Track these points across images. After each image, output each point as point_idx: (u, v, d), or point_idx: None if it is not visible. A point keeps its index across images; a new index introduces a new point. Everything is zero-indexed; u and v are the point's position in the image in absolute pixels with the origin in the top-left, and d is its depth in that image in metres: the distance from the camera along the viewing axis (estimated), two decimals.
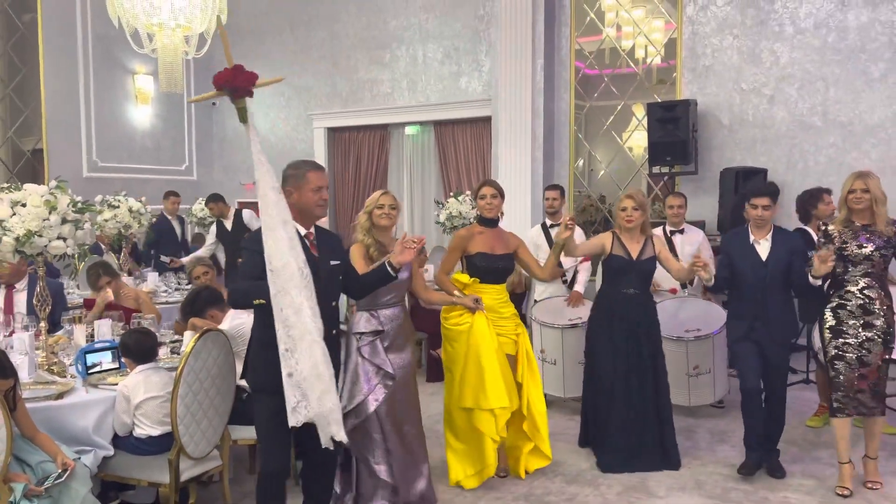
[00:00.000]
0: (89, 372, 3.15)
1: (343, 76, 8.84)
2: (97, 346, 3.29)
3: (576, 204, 7.41)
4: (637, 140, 7.31)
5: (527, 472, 3.88)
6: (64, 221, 3.30)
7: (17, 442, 2.61)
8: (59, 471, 2.63)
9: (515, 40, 7.13)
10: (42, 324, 3.43)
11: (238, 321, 3.50)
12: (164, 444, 3.01)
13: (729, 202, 5.97)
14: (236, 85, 2.52)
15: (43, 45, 7.86)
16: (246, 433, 3.49)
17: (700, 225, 5.91)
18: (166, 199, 7.61)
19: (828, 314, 3.68)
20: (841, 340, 3.61)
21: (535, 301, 5.27)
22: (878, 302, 3.59)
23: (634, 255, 3.96)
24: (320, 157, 9.04)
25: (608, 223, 7.29)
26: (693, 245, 4.98)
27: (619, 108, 7.27)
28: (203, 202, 8.21)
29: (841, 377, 3.60)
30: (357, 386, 3.32)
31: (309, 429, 2.65)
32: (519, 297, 5.61)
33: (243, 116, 2.57)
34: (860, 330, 3.58)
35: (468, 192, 6.95)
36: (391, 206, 3.45)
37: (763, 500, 3.60)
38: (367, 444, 3.35)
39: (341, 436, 2.59)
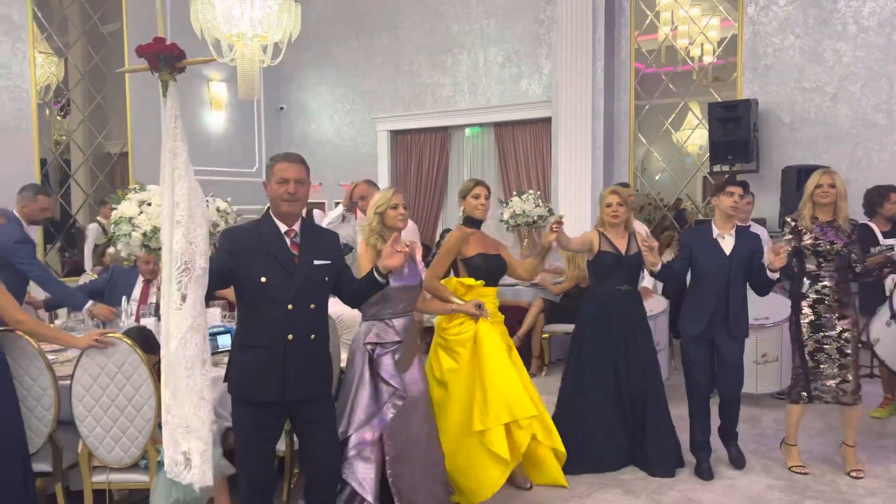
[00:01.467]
0: (212, 352, 3.50)
1: (406, 80, 9.17)
2: (213, 330, 3.65)
3: (634, 203, 7.57)
4: (695, 139, 7.44)
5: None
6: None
7: None
8: None
9: (575, 43, 7.34)
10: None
11: (338, 308, 3.79)
12: None
13: (791, 200, 6.07)
14: (148, 52, 2.54)
15: (128, 54, 8.39)
16: None
17: (761, 223, 6.03)
18: None
19: (805, 309, 3.82)
20: (821, 334, 3.78)
21: None
22: (848, 295, 3.80)
23: (623, 251, 3.93)
24: (383, 159, 9.40)
25: (668, 223, 7.44)
26: None
27: (679, 107, 7.41)
28: None
29: (821, 367, 3.78)
30: (363, 406, 3.01)
31: (310, 438, 2.72)
32: (582, 292, 5.83)
33: (164, 90, 2.54)
34: (837, 322, 3.76)
35: (531, 192, 7.20)
36: (405, 206, 3.19)
37: (831, 483, 3.77)
38: (366, 476, 2.96)
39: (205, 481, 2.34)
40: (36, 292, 5.36)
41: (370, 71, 9.40)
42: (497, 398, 3.31)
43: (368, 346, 3.05)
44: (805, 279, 3.85)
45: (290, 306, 2.62)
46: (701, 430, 3.92)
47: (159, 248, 3.66)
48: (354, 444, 2.96)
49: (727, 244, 3.84)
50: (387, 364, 3.03)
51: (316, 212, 8.12)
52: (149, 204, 3.60)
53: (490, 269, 3.65)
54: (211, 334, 3.59)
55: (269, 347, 2.62)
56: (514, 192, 7.54)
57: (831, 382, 3.77)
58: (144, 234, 3.56)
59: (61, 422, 3.04)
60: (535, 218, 6.83)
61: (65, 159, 8.19)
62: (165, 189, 2.42)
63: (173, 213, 2.40)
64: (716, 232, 3.87)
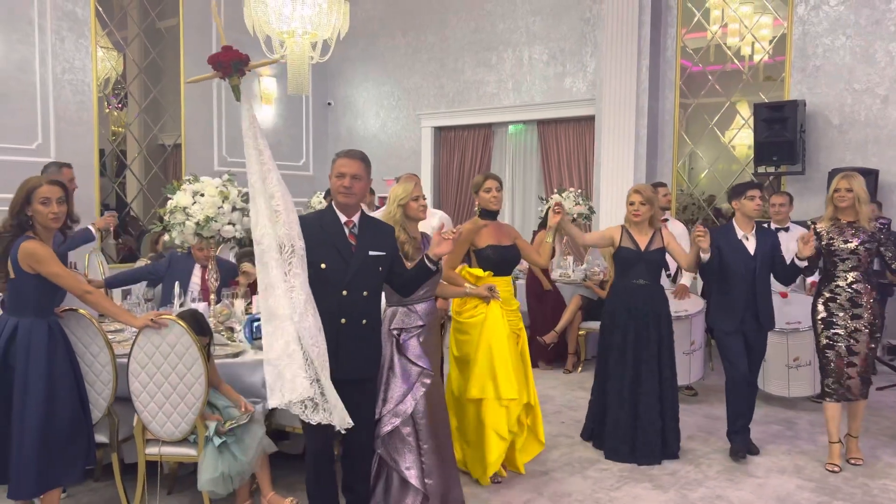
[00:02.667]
0: (254, 337, 3.69)
1: (450, 77, 9.28)
2: (258, 315, 3.82)
3: (678, 203, 7.55)
4: (742, 138, 7.37)
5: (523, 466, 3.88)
6: (234, 209, 3.86)
7: None
8: (242, 413, 3.16)
9: (621, 41, 7.35)
10: (212, 297, 4.01)
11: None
12: None
13: None
14: (222, 60, 2.70)
15: (183, 49, 8.70)
16: None
17: (805, 225, 5.97)
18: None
19: (819, 307, 4.01)
20: (832, 331, 3.95)
21: None
22: (865, 296, 3.91)
23: (643, 247, 4.10)
24: (427, 155, 9.54)
25: (711, 223, 7.40)
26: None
27: (726, 106, 7.35)
28: (321, 195, 8.87)
29: (832, 364, 3.94)
30: (396, 386, 3.17)
31: (364, 417, 2.87)
32: None
33: (237, 94, 2.73)
34: (849, 321, 3.91)
35: (572, 189, 7.24)
36: (424, 197, 3.41)
37: (863, 486, 3.75)
38: (400, 447, 3.17)
39: (332, 420, 2.57)
40: (94, 274, 5.65)
41: (416, 68, 9.54)
42: (480, 375, 3.56)
43: (394, 332, 3.20)
44: (823, 278, 4.06)
45: (344, 292, 2.81)
46: (742, 417, 4.11)
47: (211, 237, 3.89)
48: (389, 421, 3.12)
49: (751, 245, 4.09)
50: (413, 346, 3.19)
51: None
52: (202, 195, 3.80)
53: (499, 259, 3.79)
54: (256, 320, 3.77)
55: (325, 329, 2.70)
56: (556, 190, 7.59)
57: (839, 379, 3.93)
58: (197, 224, 3.76)
59: (118, 397, 3.25)
60: (576, 216, 6.87)
61: (121, 150, 8.54)
62: (256, 184, 2.61)
63: (270, 205, 2.59)
64: (740, 233, 4.12)
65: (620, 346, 4.10)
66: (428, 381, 3.19)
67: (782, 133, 6.42)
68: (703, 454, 4.21)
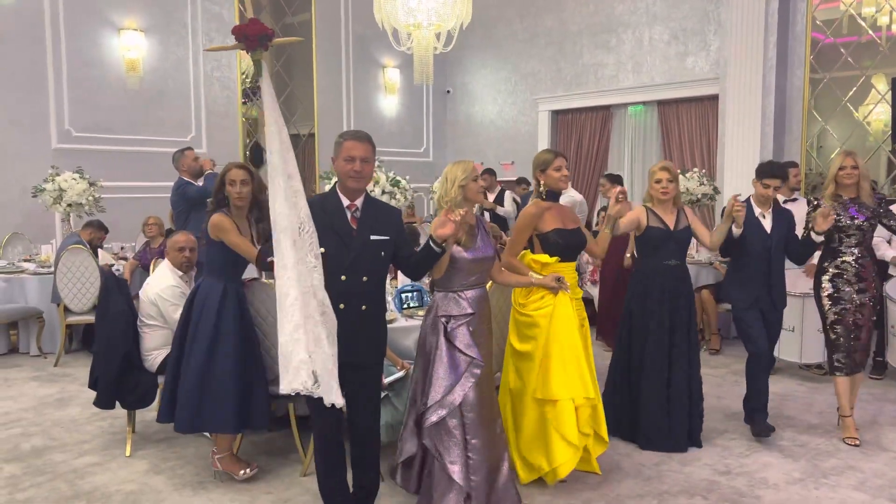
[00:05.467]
0: (403, 307, 4.07)
1: (568, 61, 9.39)
2: (406, 288, 4.21)
3: (807, 181, 7.36)
4: (878, 114, 7.07)
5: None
6: (383, 193, 4.25)
7: None
8: (400, 371, 3.55)
9: (747, 17, 7.21)
10: None
11: None
12: None
13: None
14: (248, 33, 2.55)
15: (316, 45, 9.30)
16: None
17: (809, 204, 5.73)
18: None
19: (825, 283, 4.05)
20: (840, 306, 4.00)
21: None
22: (868, 269, 4.00)
23: (671, 226, 3.95)
24: (543, 139, 9.71)
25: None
26: None
27: (861, 81, 7.08)
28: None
29: (841, 339, 4.01)
30: (444, 375, 2.99)
31: (355, 403, 2.78)
32: None
33: (258, 69, 2.60)
34: (854, 295, 3.98)
35: (695, 170, 7.22)
36: (484, 178, 3.30)
37: None
38: (446, 440, 2.99)
39: (332, 399, 2.48)
40: None
41: (533, 52, 9.72)
42: (555, 373, 3.26)
43: (442, 319, 3.03)
44: (827, 254, 4.09)
45: (343, 277, 2.72)
46: (764, 394, 4.10)
47: None
48: (436, 411, 2.97)
49: (767, 223, 4.09)
50: (462, 335, 3.01)
51: (508, 192, 8.44)
52: None
53: (566, 244, 3.51)
54: (404, 291, 4.15)
55: None
56: (678, 171, 7.58)
57: (848, 353, 3.99)
58: None
59: None
60: (700, 196, 6.86)
61: (261, 140, 9.27)
62: (276, 163, 2.50)
63: (290, 185, 2.51)
64: (757, 211, 4.10)
65: (657, 333, 3.91)
66: (478, 371, 3.01)
67: None
68: (834, 428, 4.22)
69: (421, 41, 7.32)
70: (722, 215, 3.98)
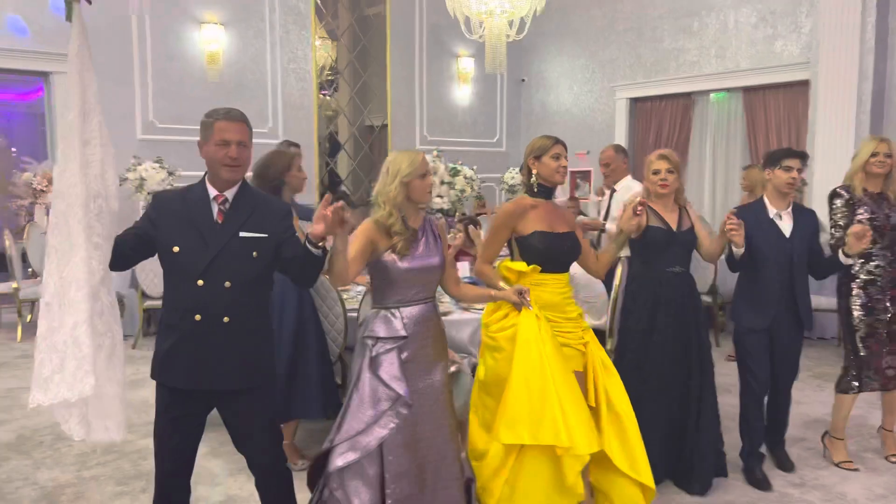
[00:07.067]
0: None
1: (648, 47, 9.04)
2: (465, 280, 4.13)
3: None
4: None
5: None
6: (441, 183, 4.19)
7: None
8: (452, 367, 3.48)
9: None
10: None
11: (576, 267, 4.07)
12: None
13: None
14: None
15: (390, 35, 9.32)
16: None
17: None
18: None
19: (856, 291, 3.54)
20: (874, 317, 3.52)
21: None
22: None
23: (675, 227, 3.30)
24: (621, 128, 9.41)
25: None
26: None
27: None
28: (514, 171, 9.20)
29: (871, 353, 3.53)
30: (358, 410, 2.45)
31: (237, 433, 2.39)
32: None
33: (69, 12, 2.22)
34: (888, 304, 3.52)
35: None
36: (432, 174, 2.72)
37: None
38: (363, 492, 2.41)
39: (117, 436, 2.11)
40: None
41: (611, 39, 9.41)
42: (519, 412, 2.55)
43: (368, 341, 2.51)
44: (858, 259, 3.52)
45: (199, 282, 2.27)
46: (757, 434, 3.53)
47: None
48: (343, 454, 2.43)
49: (786, 225, 3.41)
50: (388, 363, 2.46)
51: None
52: None
53: (551, 251, 2.85)
54: None
55: (177, 326, 2.31)
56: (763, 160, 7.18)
57: (883, 368, 3.55)
58: None
59: (347, 347, 3.72)
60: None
61: (335, 132, 9.39)
62: (74, 122, 2.14)
63: (84, 152, 2.14)
64: (772, 211, 3.42)
65: (650, 351, 3.25)
66: (404, 411, 2.44)
67: None
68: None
69: (493, 29, 7.20)
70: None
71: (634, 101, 9.37)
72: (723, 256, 3.49)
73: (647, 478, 2.82)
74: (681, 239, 3.30)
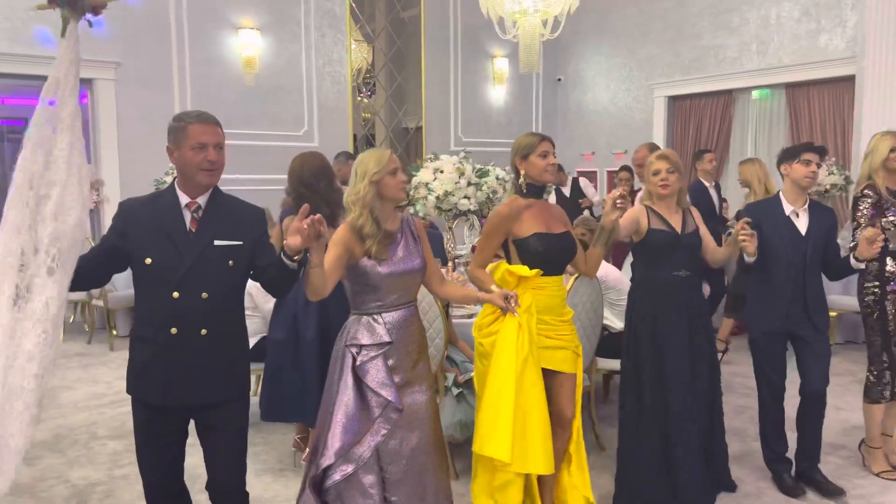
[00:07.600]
0: None
1: (687, 44, 8.86)
2: None
3: None
4: None
5: None
6: (469, 184, 4.16)
7: None
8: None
9: None
10: (450, 263, 4.36)
11: (606, 268, 4.01)
12: None
13: None
14: None
15: (424, 38, 9.33)
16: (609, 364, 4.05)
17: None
18: None
19: (869, 299, 3.41)
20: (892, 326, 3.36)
21: None
22: None
23: (679, 229, 3.12)
24: (659, 126, 9.23)
25: None
26: None
27: None
28: None
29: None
30: (347, 420, 2.39)
31: (210, 447, 2.34)
32: None
33: (64, 27, 2.11)
34: None
35: (833, 159, 6.60)
36: (405, 170, 2.58)
37: None
38: (356, 501, 2.38)
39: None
40: None
41: (649, 37, 9.25)
42: (485, 423, 2.56)
43: (352, 350, 2.43)
44: (889, 259, 3.37)
45: (175, 294, 2.19)
46: (780, 441, 3.40)
47: (449, 210, 4.23)
48: (340, 467, 2.38)
49: (802, 223, 3.28)
50: (375, 370, 2.41)
51: (582, 180, 8.26)
52: (441, 171, 4.14)
53: (550, 252, 2.76)
54: None
55: (152, 341, 2.23)
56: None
57: None
58: (437, 198, 4.11)
59: None
60: (828, 187, 6.26)
61: (371, 134, 9.43)
62: (41, 139, 1.97)
63: (44, 171, 1.97)
64: (788, 208, 3.29)
65: (677, 363, 3.04)
66: (395, 415, 2.41)
67: None
68: None
69: (526, 28, 7.15)
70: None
71: (673, 100, 9.19)
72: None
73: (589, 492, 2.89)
74: (686, 242, 3.13)
